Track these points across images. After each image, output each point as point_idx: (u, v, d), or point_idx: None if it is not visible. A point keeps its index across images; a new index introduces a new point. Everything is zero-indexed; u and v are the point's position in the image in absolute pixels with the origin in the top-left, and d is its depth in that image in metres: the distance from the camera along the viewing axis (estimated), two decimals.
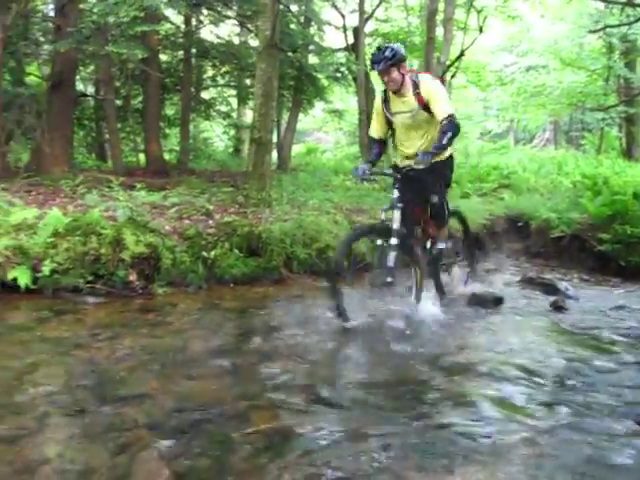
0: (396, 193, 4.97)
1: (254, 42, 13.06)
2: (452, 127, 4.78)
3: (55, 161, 9.53)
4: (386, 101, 5.17)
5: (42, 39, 12.04)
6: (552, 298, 5.77)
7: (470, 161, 13.31)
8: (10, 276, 5.24)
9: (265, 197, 7.16)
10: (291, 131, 13.79)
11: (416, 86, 4.93)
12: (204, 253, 5.87)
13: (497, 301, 5.62)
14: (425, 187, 5.21)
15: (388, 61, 4.84)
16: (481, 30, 14.57)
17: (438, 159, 5.05)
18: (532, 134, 27.56)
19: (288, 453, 2.76)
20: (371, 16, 14.78)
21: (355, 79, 12.71)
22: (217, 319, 4.82)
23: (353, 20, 14.37)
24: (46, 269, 5.25)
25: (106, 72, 10.78)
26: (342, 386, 3.60)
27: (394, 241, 4.83)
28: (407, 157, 5.16)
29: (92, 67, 12.80)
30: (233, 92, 15.12)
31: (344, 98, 18.17)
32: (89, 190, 7.23)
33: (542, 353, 4.21)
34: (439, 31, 13.11)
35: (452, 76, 14.76)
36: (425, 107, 4.92)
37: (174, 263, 5.68)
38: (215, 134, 18.12)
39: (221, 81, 14.20)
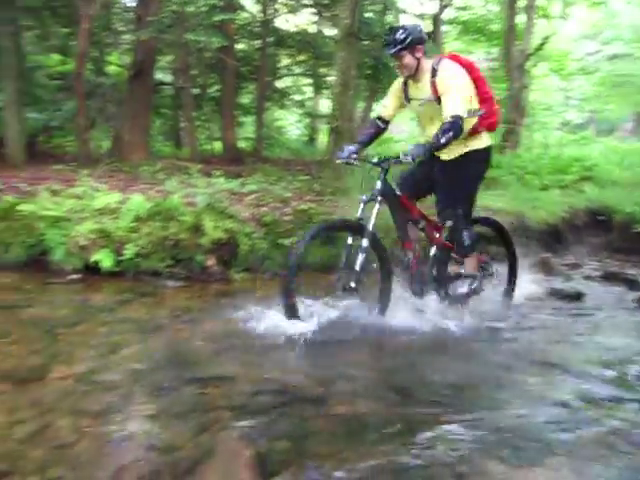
0: (379, 185, 4.44)
1: (330, 31, 13.06)
2: (454, 127, 4.18)
3: (134, 148, 9.76)
4: (406, 83, 4.62)
5: (123, 29, 12.33)
6: (636, 294, 5.58)
7: (550, 152, 12.93)
8: (93, 258, 5.40)
9: (341, 185, 7.14)
10: (366, 120, 13.70)
11: (434, 73, 4.37)
12: (281, 240, 5.90)
13: (578, 296, 5.47)
14: (430, 185, 4.70)
15: (399, 44, 4.33)
16: (564, 17, 14.16)
17: (451, 156, 4.55)
18: (614, 125, 26.63)
19: (366, 439, 2.77)
20: (450, 3, 14.52)
21: None
22: None
23: (431, 8, 14.20)
24: (128, 252, 5.38)
25: (184, 61, 10.94)
26: (420, 376, 3.56)
27: (365, 243, 4.30)
28: None
29: (170, 56, 13.01)
30: (308, 81, 15.11)
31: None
32: (168, 176, 7.36)
33: (627, 350, 4.08)
34: (520, 19, 12.81)
35: (533, 65, 14.40)
36: (438, 99, 4.38)
37: (251, 249, 5.74)
38: (289, 123, 18.17)
39: (296, 70, 14.23)
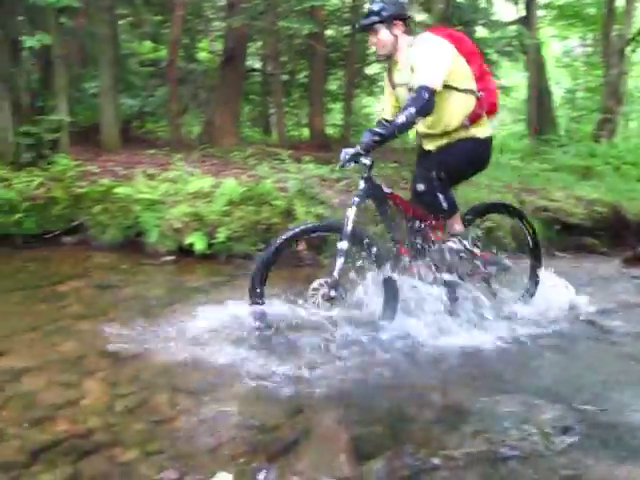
0: (362, 185, 3.91)
1: (420, 16, 12.85)
2: (417, 101, 3.63)
3: (224, 134, 9.89)
4: (390, 70, 4.12)
5: (213, 16, 12.50)
6: None
7: None
8: (187, 241, 5.51)
9: None
10: None
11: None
12: (371, 227, 5.85)
13: None
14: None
15: (373, 15, 3.81)
16: None
17: (446, 141, 4.03)
18: None
19: (462, 428, 2.74)
20: None
21: (525, 53, 12.19)
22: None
23: None
24: (221, 236, 5.47)
25: (274, 47, 11.00)
26: (522, 368, 3.51)
27: (344, 245, 3.78)
28: (424, 137, 4.23)
29: (260, 43, 13.11)
30: None
31: (507, 73, 17.40)
32: (259, 162, 7.43)
33: None
34: (619, 2, 12.31)
35: (632, 50, 13.81)
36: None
37: None
38: (376, 109, 17.99)
39: None
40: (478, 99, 3.97)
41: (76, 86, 9.79)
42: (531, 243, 4.67)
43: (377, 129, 3.77)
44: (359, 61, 13.05)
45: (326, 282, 3.79)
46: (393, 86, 4.11)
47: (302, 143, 11.53)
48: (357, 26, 4.00)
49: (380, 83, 14.28)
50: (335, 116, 14.75)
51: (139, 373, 3.28)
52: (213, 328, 3.83)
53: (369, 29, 3.90)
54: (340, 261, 3.77)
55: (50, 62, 7.87)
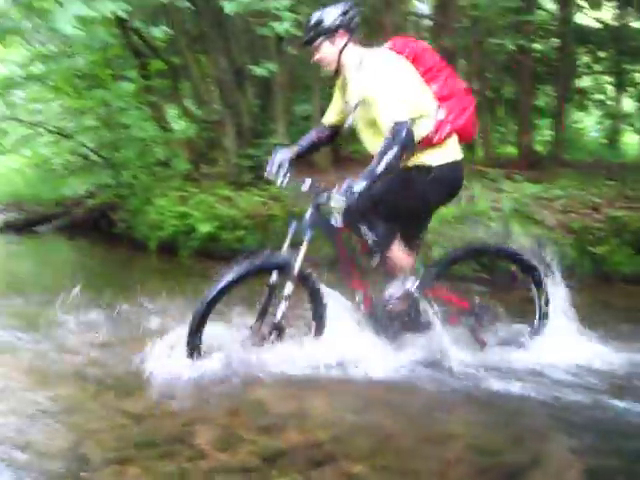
0: (309, 213, 3.58)
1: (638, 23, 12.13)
2: (397, 141, 3.18)
3: None
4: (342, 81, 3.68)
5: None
6: None
7: None
8: None
9: None
10: None
11: (360, 68, 3.45)
12: (591, 248, 5.59)
13: None
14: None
15: (310, 31, 3.45)
16: None
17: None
18: None
19: None
20: None
21: None
22: (605, 319, 4.50)
23: None
24: (434, 254, 5.47)
25: (478, 64, 10.93)
26: None
27: (289, 290, 3.52)
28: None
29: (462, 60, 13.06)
30: (608, 79, 14.14)
31: None
32: (469, 180, 7.37)
33: None
34: None
35: None
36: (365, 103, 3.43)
37: (559, 257, 5.52)
38: (587, 124, 17.13)
39: (597, 68, 13.40)
40: (438, 122, 3.50)
41: (288, 110, 10.31)
42: (533, 288, 4.19)
43: (357, 185, 3.25)
44: (569, 74, 12.57)
45: (266, 324, 3.63)
46: (345, 101, 3.66)
47: (509, 161, 11.26)
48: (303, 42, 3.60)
49: (592, 96, 13.67)
50: (543, 132, 14.23)
51: (361, 390, 3.37)
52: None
53: (311, 46, 3.53)
54: (283, 306, 3.55)
55: (269, 88, 8.37)
